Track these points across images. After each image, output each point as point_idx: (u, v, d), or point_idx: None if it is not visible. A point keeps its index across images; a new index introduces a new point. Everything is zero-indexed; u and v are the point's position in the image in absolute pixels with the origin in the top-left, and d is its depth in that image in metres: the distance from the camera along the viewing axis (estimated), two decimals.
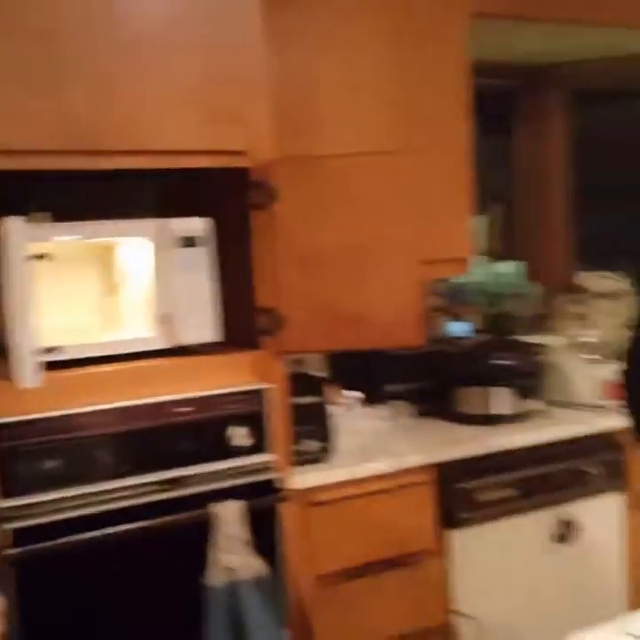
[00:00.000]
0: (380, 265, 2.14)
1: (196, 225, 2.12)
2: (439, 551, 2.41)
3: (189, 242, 2.11)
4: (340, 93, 2.45)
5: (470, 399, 2.70)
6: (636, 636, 1.17)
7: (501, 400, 2.67)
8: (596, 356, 3.13)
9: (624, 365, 1.65)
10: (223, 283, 2.19)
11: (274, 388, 2.16)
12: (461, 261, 2.62)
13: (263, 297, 2.17)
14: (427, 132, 2.53)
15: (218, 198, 2.27)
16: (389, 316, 2.14)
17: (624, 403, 1.65)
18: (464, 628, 2.43)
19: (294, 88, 2.37)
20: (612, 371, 3.03)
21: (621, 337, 3.26)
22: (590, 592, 2.62)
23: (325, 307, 2.15)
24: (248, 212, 2.16)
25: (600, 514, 2.69)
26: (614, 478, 2.69)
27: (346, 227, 2.15)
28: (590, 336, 3.20)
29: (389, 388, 2.79)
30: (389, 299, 2.14)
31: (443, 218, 2.52)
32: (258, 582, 2.02)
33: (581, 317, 3.38)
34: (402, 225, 2.16)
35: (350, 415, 2.58)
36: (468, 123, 2.62)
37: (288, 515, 2.16)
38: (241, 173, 2.14)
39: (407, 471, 2.36)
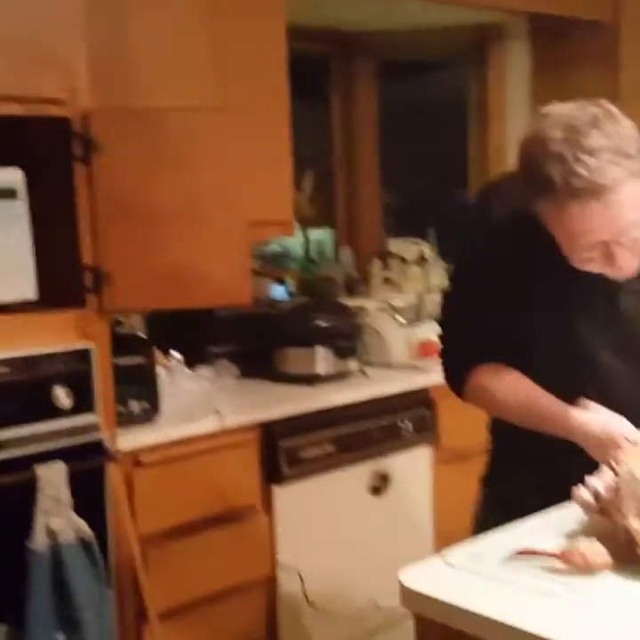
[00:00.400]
0: (210, 224, 2.13)
1: (10, 176, 2.01)
2: (264, 507, 2.46)
3: (3, 194, 2.00)
4: (160, 49, 2.41)
5: (292, 360, 2.75)
6: (451, 564, 1.27)
7: (322, 360, 2.74)
8: (408, 319, 3.28)
9: (439, 320, 1.74)
10: (45, 238, 2.09)
11: (97, 348, 2.09)
12: (287, 224, 2.66)
13: (87, 254, 2.10)
14: (248, 91, 2.54)
15: (37, 149, 2.16)
16: (219, 274, 2.13)
17: (440, 356, 1.74)
18: (289, 577, 2.49)
19: (113, 40, 2.30)
20: (422, 332, 3.19)
21: (429, 300, 3.44)
22: (403, 538, 2.76)
23: (154, 265, 2.11)
24: (70, 164, 2.07)
25: (412, 467, 2.83)
26: (425, 433, 2.84)
27: (174, 184, 2.12)
28: (401, 300, 3.34)
29: (213, 349, 2.79)
30: (219, 258, 2.13)
31: (267, 179, 2.54)
32: (82, 544, 1.98)
33: (392, 282, 3.52)
34: (228, 184, 2.15)
35: (174, 376, 2.55)
36: (286, 85, 2.66)
37: (113, 476, 2.11)
38: (61, 123, 2.04)
39: (232, 430, 2.38)
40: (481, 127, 4.04)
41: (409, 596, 1.24)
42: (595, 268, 1.40)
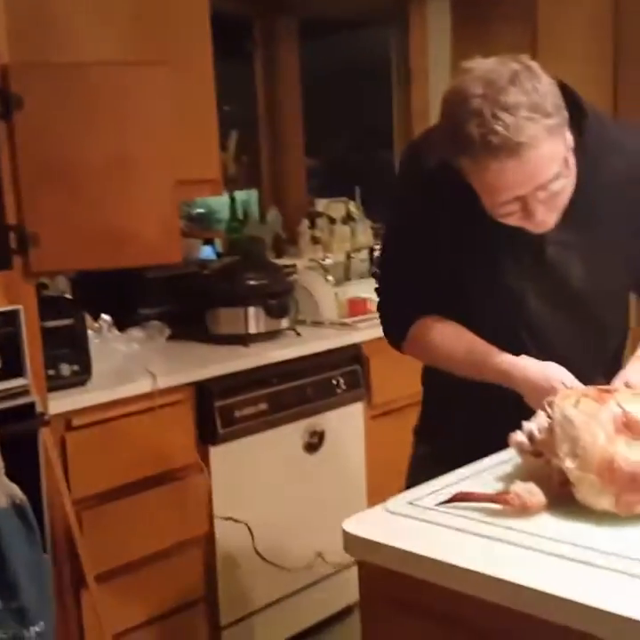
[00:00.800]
0: (138, 182, 2.09)
1: None
2: (201, 466, 2.45)
3: None
4: (80, 3, 2.33)
5: (224, 320, 2.74)
6: (392, 511, 1.30)
7: (253, 320, 2.73)
8: (337, 277, 3.30)
9: (376, 274, 1.75)
10: None
11: (25, 311, 2.04)
12: (215, 182, 2.63)
13: (10, 214, 2.03)
14: (170, 47, 2.48)
15: None
16: (148, 233, 2.10)
17: (377, 309, 1.75)
18: (229, 534, 2.51)
19: None
20: (352, 290, 3.21)
21: (357, 258, 3.46)
22: (339, 493, 2.80)
23: (81, 224, 2.06)
24: None
25: (345, 423, 2.86)
26: (358, 389, 2.87)
27: (100, 141, 2.06)
28: (330, 258, 3.36)
29: (142, 311, 2.75)
30: (148, 216, 2.10)
31: (193, 136, 2.49)
32: (15, 509, 1.94)
33: (321, 241, 3.53)
34: (155, 141, 2.12)
35: (104, 339, 2.51)
36: (209, 42, 2.61)
37: (46, 440, 2.08)
38: None
39: (165, 391, 2.36)
40: (404, 87, 4.05)
41: (352, 542, 1.26)
42: (514, 221, 1.43)
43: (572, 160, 1.42)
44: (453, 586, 1.14)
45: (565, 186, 1.41)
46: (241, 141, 3.80)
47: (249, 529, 2.54)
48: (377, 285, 1.74)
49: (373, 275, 1.78)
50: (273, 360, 2.65)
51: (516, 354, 1.53)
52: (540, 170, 1.35)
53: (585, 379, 1.41)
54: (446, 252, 1.58)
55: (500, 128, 1.31)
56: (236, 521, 2.51)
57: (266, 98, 3.85)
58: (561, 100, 1.37)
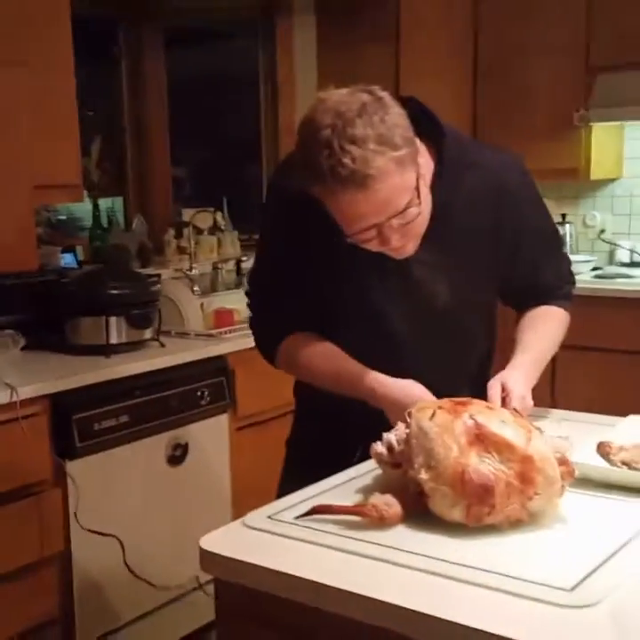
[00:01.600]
0: None
1: None
2: (58, 481, 2.36)
3: None
4: None
5: (85, 329, 2.65)
6: (250, 526, 1.29)
7: (115, 330, 2.65)
8: (203, 288, 3.26)
9: (248, 290, 1.74)
10: None
11: None
12: (74, 188, 2.55)
13: None
14: (29, 49, 2.41)
15: None
16: (3, 240, 2.02)
17: (250, 325, 1.74)
18: (92, 549, 2.43)
19: None
20: (218, 301, 3.18)
21: (224, 269, 3.43)
22: (203, 506, 2.76)
23: None
24: None
25: (210, 435, 2.82)
26: (223, 401, 2.84)
27: None
28: (196, 268, 3.31)
29: None
30: (3, 222, 2.02)
31: (53, 141, 2.42)
32: None
33: (187, 251, 3.48)
34: (11, 144, 2.04)
35: None
36: (70, 43, 2.55)
37: None
38: None
39: (21, 403, 2.26)
40: (271, 100, 4.06)
41: (208, 559, 1.23)
42: (374, 247, 1.45)
43: (424, 189, 1.45)
44: (310, 601, 1.13)
45: (420, 213, 1.43)
46: (105, 147, 3.71)
47: (119, 541, 2.47)
48: (248, 301, 1.74)
49: (246, 293, 1.76)
50: (135, 371, 2.58)
51: (383, 371, 1.55)
52: (391, 201, 1.37)
53: (450, 391, 1.43)
54: (315, 270, 1.60)
55: (347, 161, 1.32)
56: (99, 534, 2.43)
57: (131, 104, 3.77)
58: (411, 131, 1.39)
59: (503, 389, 1.47)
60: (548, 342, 1.65)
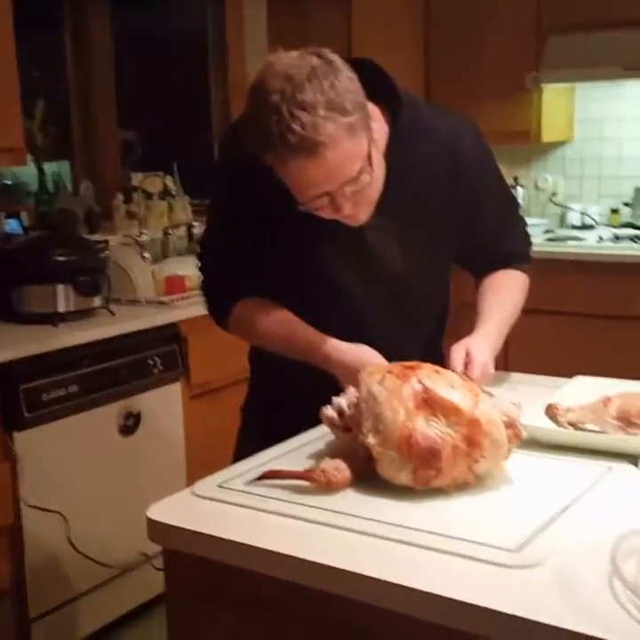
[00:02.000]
0: None
1: None
2: (5, 453, 2.32)
3: None
4: None
5: (32, 297, 2.59)
6: (199, 495, 1.27)
7: (63, 298, 2.60)
8: (154, 254, 3.21)
9: (199, 254, 1.71)
10: None
11: None
12: (17, 151, 2.48)
13: None
14: None
15: None
16: None
17: (201, 289, 1.72)
18: (39, 524, 2.40)
19: None
20: (169, 268, 3.13)
21: (175, 235, 3.39)
22: (157, 476, 2.74)
23: None
24: None
25: (163, 404, 2.80)
26: (175, 369, 2.81)
27: None
28: (146, 234, 3.26)
29: None
30: None
31: None
32: None
33: (137, 217, 3.42)
34: None
35: None
36: (6, 4, 2.47)
37: None
38: None
39: None
40: (221, 63, 3.99)
41: (156, 529, 1.22)
42: (326, 214, 1.43)
43: (377, 155, 1.43)
44: (259, 569, 1.13)
45: (372, 181, 1.41)
46: (51, 110, 3.61)
47: (63, 517, 2.44)
48: (200, 264, 1.71)
49: (197, 256, 1.73)
50: (84, 340, 2.54)
51: (338, 336, 1.54)
52: (342, 168, 1.35)
53: (404, 356, 1.42)
54: (267, 233, 1.57)
55: (297, 127, 1.29)
56: (46, 510, 2.40)
57: (76, 65, 3.67)
58: (362, 95, 1.36)
59: (466, 355, 1.47)
60: (510, 309, 1.66)
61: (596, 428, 1.40)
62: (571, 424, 1.41)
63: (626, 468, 1.31)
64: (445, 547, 1.07)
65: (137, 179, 3.54)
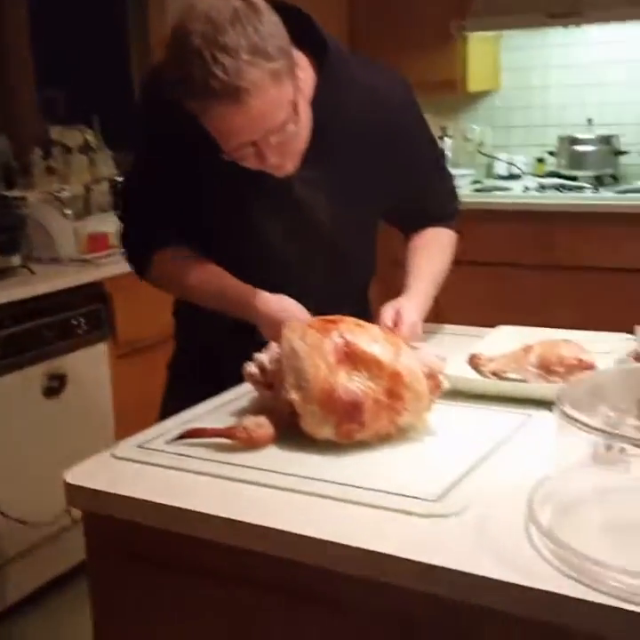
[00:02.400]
0: None
1: None
2: None
3: None
4: None
5: None
6: (119, 457, 1.24)
7: None
8: (76, 211, 3.12)
9: (121, 204, 1.66)
10: None
11: None
12: None
13: None
14: None
15: None
16: None
17: (121, 238, 1.67)
18: None
19: None
20: (92, 225, 3.05)
21: (98, 191, 3.29)
22: (84, 438, 2.68)
23: None
24: None
25: (89, 364, 2.74)
26: (101, 329, 2.75)
27: None
28: (67, 191, 3.16)
29: None
30: None
31: None
32: None
33: (57, 172, 3.32)
34: None
35: None
36: None
37: None
38: None
39: None
40: (141, 9, 3.86)
41: (75, 493, 1.19)
42: (251, 165, 1.39)
43: (303, 104, 1.39)
44: (180, 530, 1.11)
45: (298, 130, 1.37)
46: None
47: None
48: (120, 212, 1.66)
49: (119, 204, 1.68)
50: (4, 300, 2.46)
51: (262, 288, 1.51)
52: (266, 116, 1.30)
53: (330, 311, 1.40)
54: (191, 183, 1.52)
55: (219, 72, 1.24)
56: None
57: None
58: (287, 41, 1.31)
59: (396, 315, 1.45)
60: (439, 268, 1.65)
61: (517, 377, 1.41)
62: (493, 373, 1.42)
63: (546, 415, 1.32)
64: (368, 500, 1.07)
65: (55, 132, 3.42)
